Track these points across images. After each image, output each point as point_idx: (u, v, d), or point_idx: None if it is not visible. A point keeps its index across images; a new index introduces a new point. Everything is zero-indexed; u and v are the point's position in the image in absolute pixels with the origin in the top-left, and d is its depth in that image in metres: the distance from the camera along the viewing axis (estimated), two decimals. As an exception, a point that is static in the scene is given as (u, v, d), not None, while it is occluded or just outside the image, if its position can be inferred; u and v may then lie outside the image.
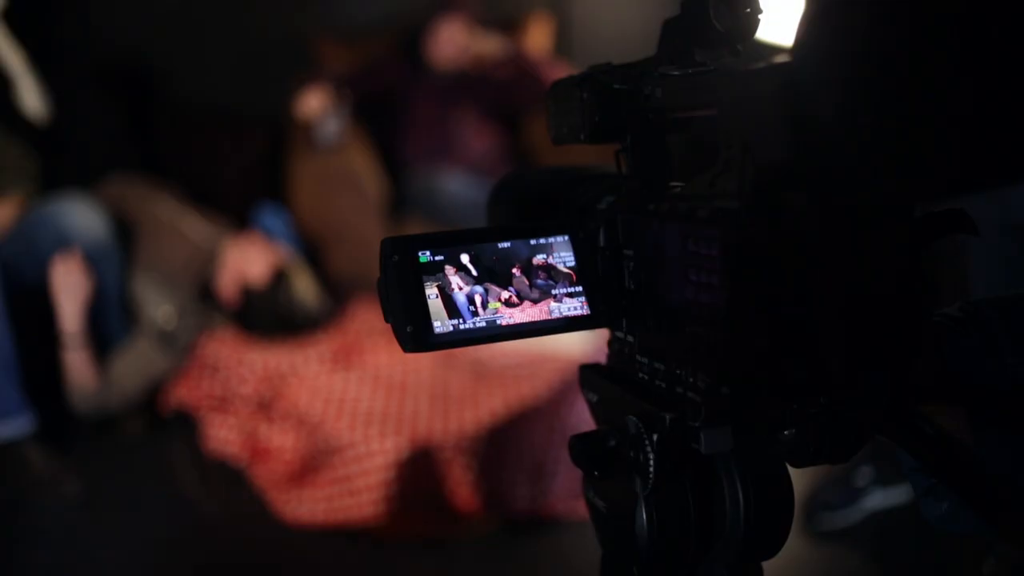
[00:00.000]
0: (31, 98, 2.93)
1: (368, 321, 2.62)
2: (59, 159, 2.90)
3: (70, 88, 2.98)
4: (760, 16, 0.65)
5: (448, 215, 2.92)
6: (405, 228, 2.97)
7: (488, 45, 3.17)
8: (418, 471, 2.10)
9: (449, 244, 0.60)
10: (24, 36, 2.93)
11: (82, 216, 2.54)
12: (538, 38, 3.56)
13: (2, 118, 2.82)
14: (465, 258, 0.60)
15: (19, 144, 2.76)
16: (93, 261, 2.51)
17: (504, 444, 2.18)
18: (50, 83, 2.97)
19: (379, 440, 2.09)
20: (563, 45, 3.81)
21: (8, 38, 2.87)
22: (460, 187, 2.97)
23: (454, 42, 3.12)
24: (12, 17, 2.85)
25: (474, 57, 3.17)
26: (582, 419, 2.27)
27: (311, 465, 2.21)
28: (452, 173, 3.04)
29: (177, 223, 2.73)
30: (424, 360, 2.40)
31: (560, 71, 3.20)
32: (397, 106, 3.20)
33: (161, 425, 2.61)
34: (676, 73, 0.61)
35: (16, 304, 2.37)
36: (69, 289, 2.42)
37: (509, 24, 3.45)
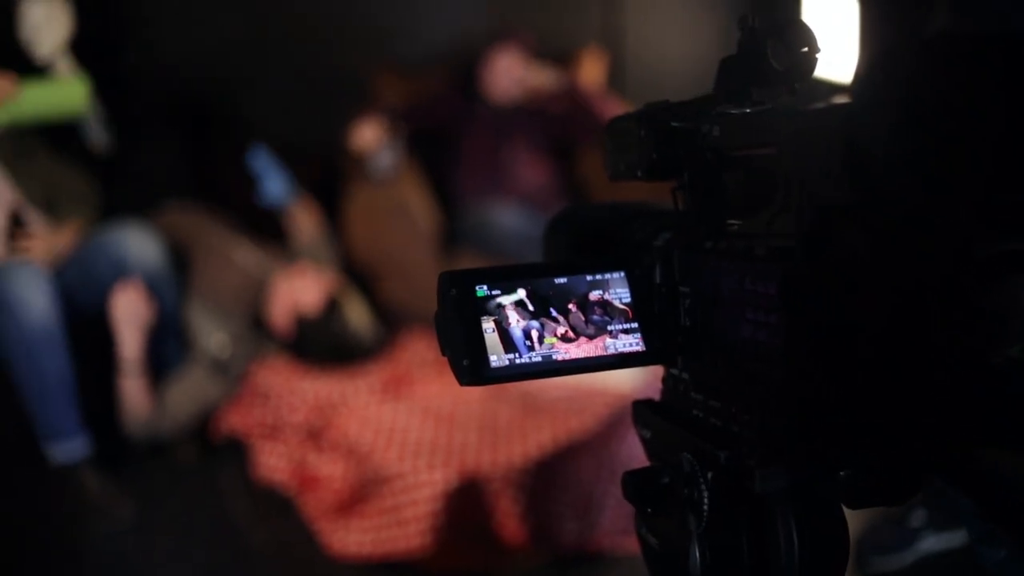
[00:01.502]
0: (94, 127, 3.02)
1: (418, 352, 2.64)
2: (119, 187, 2.98)
3: (132, 118, 3.07)
4: (818, 55, 0.65)
5: (501, 248, 2.94)
6: (457, 260, 2.99)
7: (542, 78, 3.20)
8: (466, 503, 2.10)
9: (506, 278, 0.60)
10: (88, 66, 3.03)
11: (140, 243, 2.60)
12: (592, 72, 3.58)
13: (66, 146, 2.90)
14: (522, 293, 0.60)
15: (81, 172, 2.84)
16: (150, 288, 2.57)
17: (552, 478, 2.17)
18: (112, 112, 3.06)
19: (428, 471, 2.10)
20: (616, 79, 3.83)
21: (74, 70, 2.96)
22: (513, 220, 2.98)
23: (509, 73, 3.15)
24: (78, 47, 2.95)
25: (528, 90, 3.20)
26: (631, 454, 2.26)
27: (359, 495, 2.23)
28: (505, 206, 3.06)
29: (231, 252, 2.78)
30: (473, 392, 2.40)
31: (613, 105, 3.22)
32: (451, 139, 3.23)
33: (213, 452, 2.65)
34: (734, 111, 0.62)
35: (73, 329, 2.43)
36: (130, 317, 2.47)
37: (563, 58, 3.48)
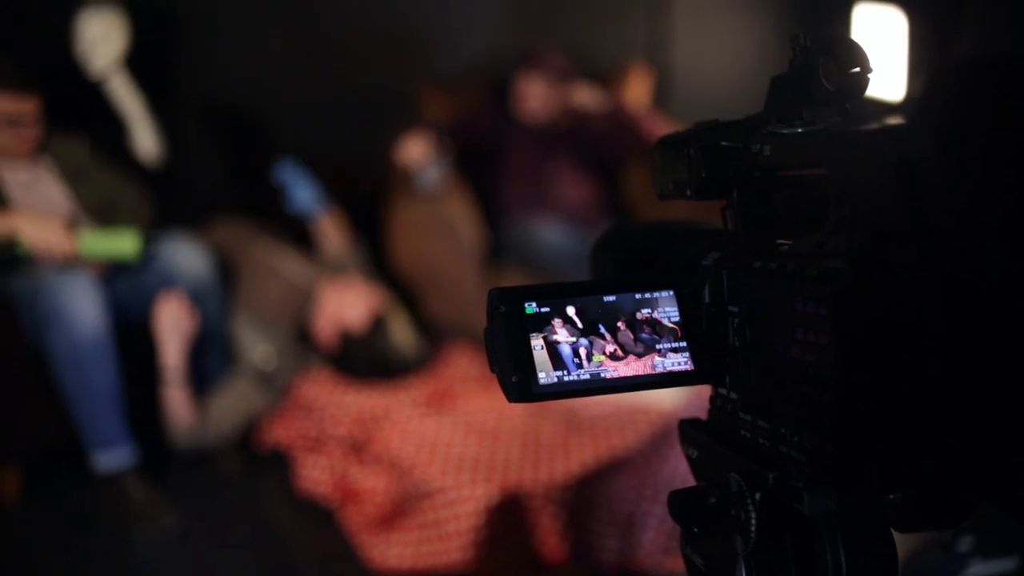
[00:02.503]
0: (146, 141, 3.09)
1: (462, 367, 2.65)
2: (169, 200, 3.04)
3: (182, 132, 3.13)
4: (870, 76, 0.65)
5: (544, 264, 2.94)
6: (501, 276, 3.00)
7: (585, 97, 3.20)
8: (507, 519, 2.10)
9: (555, 296, 0.61)
10: (140, 79, 3.09)
11: (188, 256, 2.64)
12: (637, 90, 3.59)
13: (119, 159, 2.97)
14: (571, 310, 0.61)
15: (134, 183, 2.90)
16: (196, 300, 2.60)
17: (594, 495, 2.16)
18: (164, 127, 3.12)
19: (469, 486, 2.10)
20: (661, 96, 3.84)
21: (128, 83, 3.03)
22: (556, 236, 2.99)
23: (535, 97, 3.15)
24: (131, 63, 3.02)
25: (570, 108, 3.21)
26: (675, 472, 2.25)
27: (401, 509, 2.23)
28: (548, 222, 3.07)
29: (278, 264, 2.81)
30: (516, 408, 2.41)
31: (658, 123, 3.22)
32: (495, 155, 3.25)
33: (256, 463, 2.68)
34: (785, 131, 0.62)
35: (122, 338, 2.47)
36: (172, 327, 2.51)
37: (608, 75, 3.49)
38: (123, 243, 2.48)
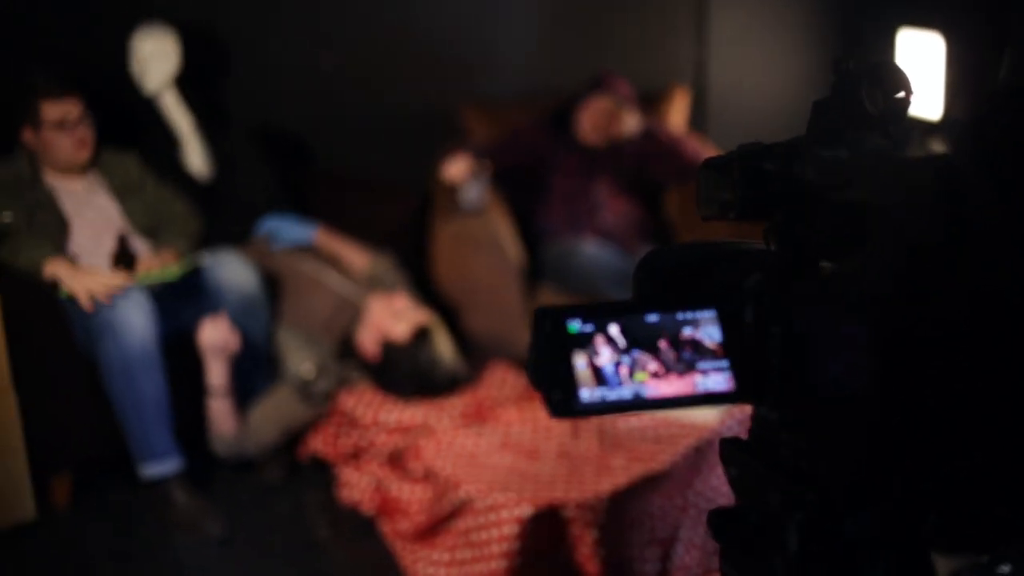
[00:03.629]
0: (196, 158, 3.15)
1: (501, 384, 2.66)
2: (217, 216, 3.09)
3: (231, 150, 3.19)
4: (912, 98, 0.65)
5: (583, 283, 2.95)
6: (540, 294, 3.01)
7: (630, 124, 3.22)
8: (546, 535, 2.10)
9: (599, 315, 0.62)
10: (192, 100, 3.16)
11: (234, 271, 2.69)
12: (675, 112, 3.61)
13: (171, 175, 3.03)
14: (614, 329, 0.62)
15: (184, 201, 2.96)
16: (242, 314, 2.65)
17: (633, 512, 2.16)
18: (213, 145, 3.18)
19: (507, 501, 2.11)
20: (699, 119, 3.87)
21: (179, 102, 3.10)
22: (596, 256, 2.99)
23: (603, 119, 3.20)
24: (182, 82, 3.09)
25: (614, 135, 3.25)
26: (715, 490, 2.24)
27: (439, 521, 2.25)
28: (588, 242, 3.08)
29: (324, 278, 2.85)
30: (556, 424, 2.41)
31: (693, 144, 3.23)
32: (537, 176, 3.27)
33: (299, 472, 2.71)
34: (828, 154, 0.62)
35: (170, 351, 2.52)
36: (216, 348, 2.55)
37: (647, 98, 3.51)
38: (166, 273, 2.56)
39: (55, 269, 2.46)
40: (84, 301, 2.42)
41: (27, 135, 2.64)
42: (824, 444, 0.57)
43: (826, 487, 0.56)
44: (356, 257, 2.91)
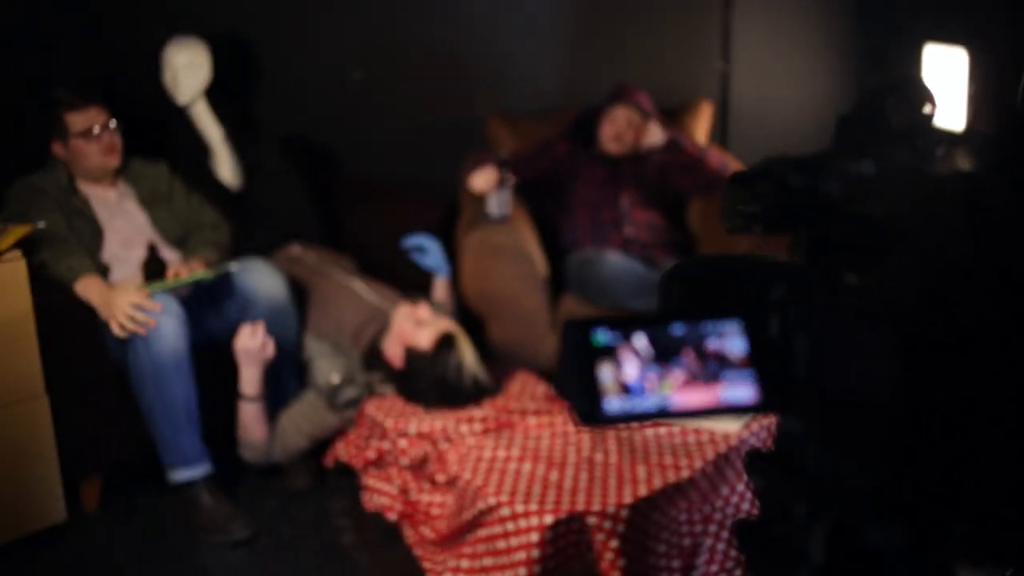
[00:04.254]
0: (226, 168, 3.19)
1: (524, 392, 2.67)
2: (247, 225, 3.13)
3: (261, 160, 3.23)
4: (936, 112, 0.65)
5: (606, 294, 2.95)
6: (563, 305, 3.02)
7: (655, 135, 3.23)
8: (567, 543, 2.10)
9: (625, 326, 0.63)
10: (223, 111, 3.20)
11: (264, 280, 2.71)
12: (700, 125, 3.62)
13: (201, 185, 3.07)
14: (640, 340, 0.63)
15: (213, 211, 3.00)
16: (271, 322, 2.67)
17: (655, 522, 2.16)
18: (243, 155, 3.22)
19: (532, 510, 2.11)
20: (720, 132, 3.89)
21: (210, 112, 3.14)
22: (619, 267, 2.99)
23: (623, 129, 3.22)
24: (214, 93, 3.13)
25: (637, 147, 3.27)
26: (739, 498, 2.23)
27: (461, 529, 2.25)
28: (611, 253, 3.08)
29: (353, 287, 2.87)
30: (578, 434, 2.41)
31: (719, 156, 3.23)
32: (561, 186, 3.29)
33: (325, 478, 2.73)
34: (854, 169, 0.63)
35: (201, 358, 2.55)
36: (251, 356, 2.58)
37: (671, 111, 3.52)
38: (199, 274, 2.58)
39: (86, 292, 2.50)
40: (115, 329, 2.45)
41: (57, 147, 2.71)
42: (849, 454, 0.58)
43: (851, 498, 0.57)
44: (443, 296, 2.94)
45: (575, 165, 3.28)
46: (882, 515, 0.54)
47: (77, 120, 2.68)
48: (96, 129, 2.69)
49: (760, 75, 3.94)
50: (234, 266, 2.71)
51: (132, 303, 2.44)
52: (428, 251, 2.90)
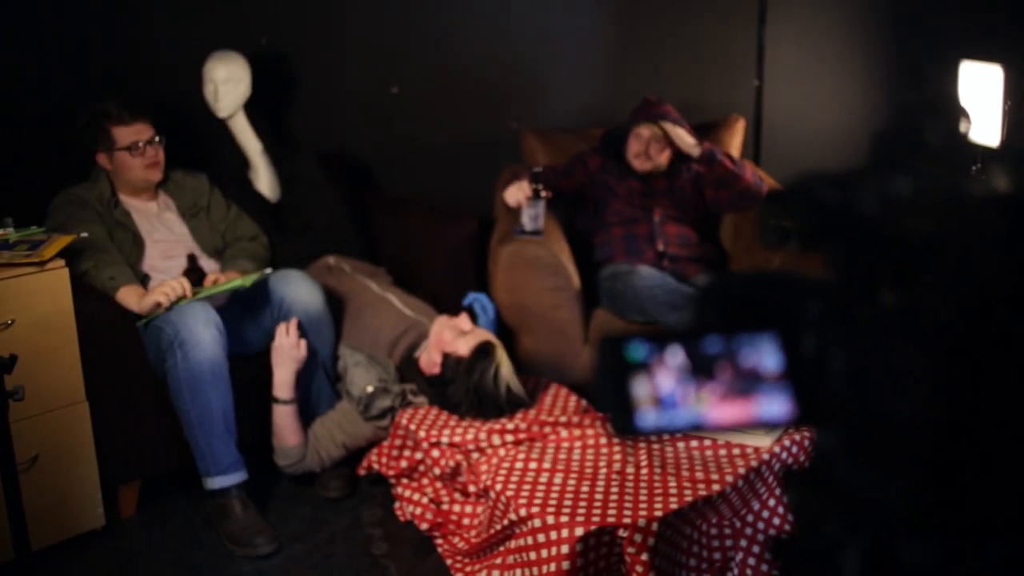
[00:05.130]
0: (264, 180, 3.24)
1: (556, 405, 2.67)
2: (285, 236, 3.17)
3: (299, 173, 3.27)
4: (971, 129, 0.66)
5: (639, 308, 2.94)
6: (595, 319, 3.01)
7: (682, 138, 3.23)
8: (598, 556, 2.10)
9: (660, 340, 0.64)
10: (261, 124, 3.25)
11: (301, 290, 2.75)
12: (731, 140, 3.62)
13: (240, 197, 3.12)
14: (675, 354, 0.64)
15: (250, 223, 3.05)
16: (308, 331, 2.70)
17: (686, 535, 2.15)
18: (281, 167, 3.27)
19: (561, 522, 2.11)
20: (754, 148, 3.89)
21: (249, 125, 3.19)
22: (652, 281, 2.98)
23: (647, 146, 3.22)
24: (252, 106, 3.18)
25: (669, 156, 3.27)
26: (771, 512, 2.22)
27: (492, 540, 2.26)
28: (644, 267, 3.08)
29: (386, 299, 2.89)
30: (612, 446, 2.42)
31: (754, 171, 3.22)
32: (595, 200, 3.30)
33: (359, 487, 2.76)
34: (890, 186, 0.63)
35: (237, 367, 2.58)
36: (285, 357, 2.61)
37: (706, 127, 3.53)
38: (237, 282, 2.62)
39: (127, 300, 2.56)
40: (155, 300, 2.51)
41: (102, 158, 2.79)
42: (885, 471, 0.58)
43: (886, 515, 0.57)
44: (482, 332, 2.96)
45: (608, 179, 3.29)
46: (918, 532, 0.55)
47: (123, 134, 2.75)
48: (141, 144, 2.76)
49: (793, 92, 3.95)
50: (270, 271, 2.75)
51: (170, 285, 2.51)
52: (485, 310, 2.91)
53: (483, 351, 2.57)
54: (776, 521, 2.25)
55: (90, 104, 2.79)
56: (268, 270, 2.77)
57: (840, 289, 0.65)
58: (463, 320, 2.67)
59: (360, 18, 3.57)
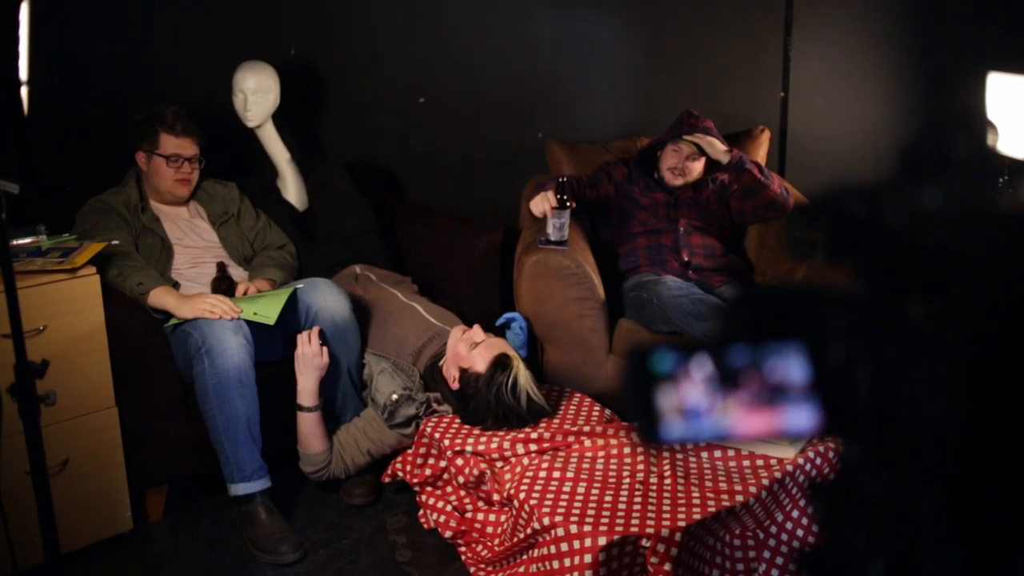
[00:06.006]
0: (293, 189, 3.27)
1: (580, 414, 2.67)
2: (313, 245, 3.19)
3: (327, 182, 3.29)
4: (998, 141, 0.66)
5: (664, 318, 2.94)
6: (620, 329, 3.01)
7: (714, 147, 3.23)
8: (620, 565, 2.10)
9: (687, 351, 0.64)
10: (290, 133, 3.29)
11: (328, 298, 2.76)
12: (757, 151, 3.62)
13: (269, 206, 3.15)
14: (701, 365, 0.64)
15: (279, 233, 3.08)
16: (334, 339, 2.72)
17: (709, 546, 2.15)
18: (309, 177, 3.30)
19: (584, 530, 2.12)
20: (775, 157, 3.88)
21: (277, 135, 3.22)
22: (677, 292, 2.98)
23: (682, 162, 3.24)
24: (281, 116, 3.21)
25: (697, 170, 3.28)
26: (795, 523, 2.21)
27: (515, 548, 2.27)
28: (669, 278, 3.08)
29: (412, 307, 2.91)
30: (633, 456, 2.41)
31: (780, 182, 3.22)
32: (618, 211, 3.30)
33: (383, 494, 2.77)
34: (918, 199, 0.63)
35: (263, 374, 2.60)
36: (308, 363, 2.63)
37: (732, 139, 3.53)
38: (268, 305, 2.63)
39: (161, 301, 2.59)
40: (193, 315, 2.54)
41: (140, 157, 2.86)
42: (912, 483, 0.58)
43: (913, 527, 0.57)
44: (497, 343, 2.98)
45: (633, 190, 3.30)
46: (945, 545, 0.55)
47: (169, 143, 2.81)
48: (181, 158, 2.82)
49: (818, 103, 3.94)
50: (298, 286, 2.77)
51: (213, 301, 2.55)
52: (522, 329, 2.92)
53: (500, 364, 2.57)
54: (800, 533, 2.24)
55: (154, 104, 2.86)
56: (299, 284, 2.79)
57: (867, 301, 0.65)
58: (476, 331, 2.67)
59: (388, 29, 3.60)
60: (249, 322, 2.59)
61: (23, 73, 1.65)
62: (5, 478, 1.81)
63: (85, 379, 2.41)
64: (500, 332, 2.87)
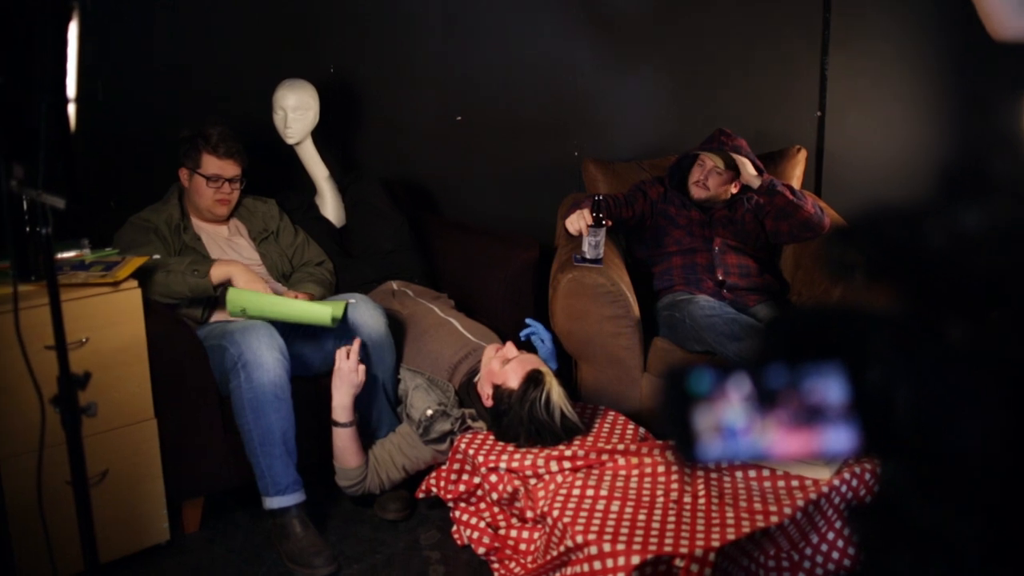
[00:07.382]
0: (331, 206, 3.30)
1: (613, 432, 2.67)
2: (351, 261, 3.22)
3: (365, 198, 3.33)
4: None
5: (698, 337, 2.93)
6: (654, 347, 3.00)
7: (744, 166, 3.22)
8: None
9: (725, 372, 0.64)
10: (328, 151, 3.32)
11: (364, 313, 2.79)
12: (793, 171, 3.61)
13: (308, 222, 3.19)
14: (739, 386, 0.64)
15: (318, 248, 3.11)
16: (371, 354, 2.74)
17: (743, 566, 2.13)
18: (348, 193, 3.33)
19: (617, 549, 2.11)
20: (812, 176, 3.87)
21: (316, 152, 3.26)
22: (711, 311, 2.97)
23: (706, 174, 3.25)
24: (319, 133, 3.25)
25: (734, 188, 3.28)
26: (830, 545, 2.18)
27: (548, 566, 2.26)
28: (704, 296, 3.07)
29: (448, 323, 2.92)
30: (667, 476, 2.40)
31: (814, 203, 3.20)
32: (653, 229, 3.30)
33: (417, 510, 2.78)
34: (959, 220, 0.63)
35: (296, 386, 2.62)
36: (344, 380, 2.65)
37: (768, 158, 3.52)
38: (321, 314, 2.65)
39: (227, 271, 2.68)
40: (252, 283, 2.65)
41: (183, 173, 2.91)
42: (954, 507, 0.58)
43: (955, 552, 0.57)
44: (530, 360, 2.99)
45: (669, 208, 3.30)
46: (987, 570, 0.54)
47: (211, 163, 2.86)
48: (222, 179, 2.87)
49: (855, 123, 3.93)
50: (352, 299, 2.79)
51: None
52: (543, 341, 2.92)
53: (533, 380, 2.57)
54: (835, 555, 2.22)
55: (197, 121, 2.90)
56: (351, 298, 2.81)
57: (907, 322, 0.65)
58: (508, 348, 2.67)
59: (426, 48, 3.64)
60: (286, 336, 2.62)
61: (71, 90, 1.69)
62: (47, 488, 1.84)
63: (125, 391, 2.45)
64: (530, 347, 2.87)
